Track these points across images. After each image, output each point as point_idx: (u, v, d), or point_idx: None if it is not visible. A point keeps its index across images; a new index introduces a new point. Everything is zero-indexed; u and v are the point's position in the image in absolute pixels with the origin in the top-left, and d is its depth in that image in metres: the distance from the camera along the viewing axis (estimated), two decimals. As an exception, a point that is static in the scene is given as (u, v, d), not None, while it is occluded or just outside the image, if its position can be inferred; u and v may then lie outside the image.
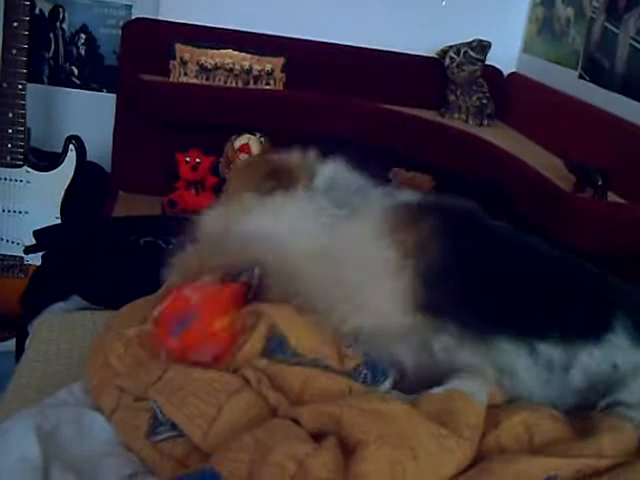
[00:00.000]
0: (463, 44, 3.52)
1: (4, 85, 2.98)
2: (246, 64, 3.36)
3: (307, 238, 1.51)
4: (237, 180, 1.73)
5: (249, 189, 1.64)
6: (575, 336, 1.40)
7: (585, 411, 1.40)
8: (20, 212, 3.07)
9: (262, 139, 3.11)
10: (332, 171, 1.69)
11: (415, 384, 1.42)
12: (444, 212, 1.53)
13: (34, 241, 2.40)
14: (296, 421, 1.25)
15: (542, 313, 1.43)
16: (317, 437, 1.21)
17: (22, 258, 3.03)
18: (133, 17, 3.56)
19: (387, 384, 1.44)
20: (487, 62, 3.57)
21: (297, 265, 1.48)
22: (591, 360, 1.40)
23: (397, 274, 1.44)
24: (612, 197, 2.53)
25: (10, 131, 3.01)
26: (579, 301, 1.44)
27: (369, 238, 1.49)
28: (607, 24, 3.01)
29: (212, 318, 1.42)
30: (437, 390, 1.36)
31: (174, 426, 1.28)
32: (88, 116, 3.62)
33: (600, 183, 2.47)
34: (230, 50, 3.34)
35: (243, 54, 3.35)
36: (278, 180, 1.62)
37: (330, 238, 1.50)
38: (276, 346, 1.42)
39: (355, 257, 1.47)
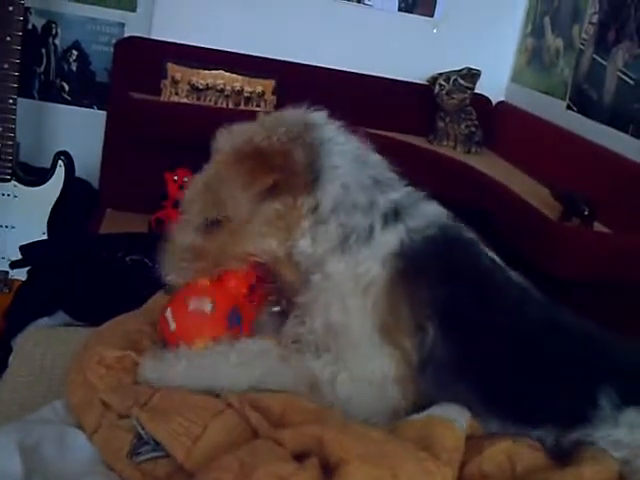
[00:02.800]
0: (453, 72, 3.56)
1: (-5, 99, 2.99)
2: (237, 85, 3.37)
3: None
4: (231, 181, 1.45)
5: (244, 195, 1.43)
6: (566, 423, 1.38)
7: None
8: (7, 227, 3.06)
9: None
10: (344, 164, 1.47)
11: None
12: (445, 281, 1.43)
13: (20, 256, 2.39)
14: (278, 443, 1.25)
15: (533, 402, 1.40)
16: (299, 458, 1.21)
17: (7, 273, 3.01)
18: (126, 35, 3.58)
19: None
20: (476, 90, 3.61)
21: None
22: (579, 437, 1.38)
23: (399, 383, 1.41)
24: (598, 227, 2.55)
25: (-1, 145, 3.01)
26: (568, 385, 1.40)
27: (364, 338, 1.41)
28: (596, 56, 3.04)
29: (191, 340, 1.44)
30: (416, 416, 1.35)
31: (157, 446, 1.27)
32: (78, 132, 3.63)
33: (586, 213, 2.49)
34: (222, 71, 3.36)
35: (234, 75, 3.37)
36: (279, 189, 1.43)
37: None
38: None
39: (355, 377, 1.41)
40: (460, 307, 1.40)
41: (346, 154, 1.49)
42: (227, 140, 1.55)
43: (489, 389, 1.40)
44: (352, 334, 1.40)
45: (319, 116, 1.54)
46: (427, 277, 1.40)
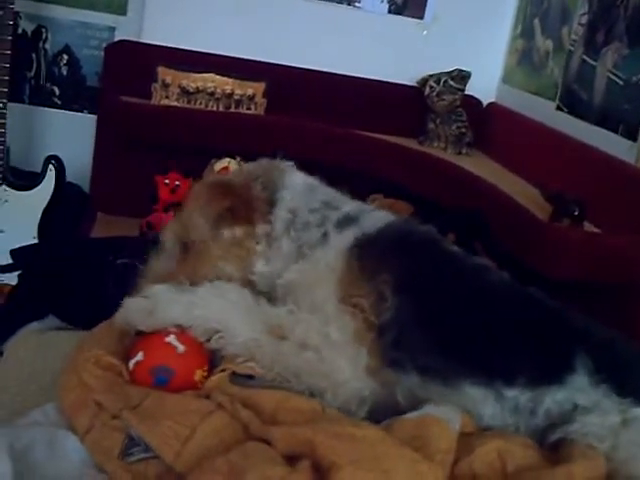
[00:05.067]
0: (443, 73, 3.56)
1: (-15, 104, 2.98)
2: (228, 88, 3.37)
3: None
4: (194, 205, 1.70)
5: (204, 217, 1.66)
6: (540, 380, 1.40)
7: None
8: (-3, 231, 3.06)
9: (242, 163, 3.11)
10: (294, 195, 1.70)
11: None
12: (402, 253, 1.55)
13: (10, 260, 2.38)
14: (269, 442, 1.25)
15: (507, 358, 1.43)
16: (290, 459, 1.21)
17: (-2, 277, 3.01)
18: (116, 39, 3.57)
19: None
20: (467, 92, 3.61)
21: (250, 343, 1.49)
22: (554, 403, 1.40)
23: (360, 342, 1.45)
24: (588, 227, 2.55)
25: (-11, 150, 3.01)
26: (543, 344, 1.44)
27: (326, 304, 1.49)
28: (585, 57, 3.05)
29: (194, 369, 1.48)
30: (411, 415, 1.36)
31: (148, 447, 1.27)
32: (68, 137, 3.62)
33: (576, 213, 2.49)
34: (212, 74, 3.35)
35: (225, 78, 3.37)
36: (235, 215, 1.65)
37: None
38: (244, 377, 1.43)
39: (315, 329, 1.47)
40: (416, 273, 1.52)
41: (296, 187, 1.72)
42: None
43: (455, 351, 1.44)
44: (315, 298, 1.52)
45: (282, 163, 1.80)
46: (382, 253, 1.54)
